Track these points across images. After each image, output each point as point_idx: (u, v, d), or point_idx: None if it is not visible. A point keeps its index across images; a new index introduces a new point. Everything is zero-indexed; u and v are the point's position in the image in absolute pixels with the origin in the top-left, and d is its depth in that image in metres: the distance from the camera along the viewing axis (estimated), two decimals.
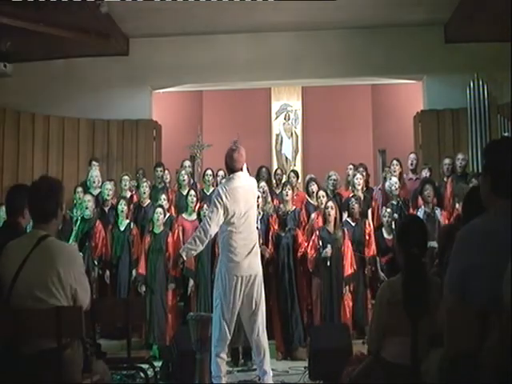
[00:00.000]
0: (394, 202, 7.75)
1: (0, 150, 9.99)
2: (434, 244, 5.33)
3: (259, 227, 6.41)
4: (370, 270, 7.15)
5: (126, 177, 8.68)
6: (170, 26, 10.19)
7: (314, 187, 8.04)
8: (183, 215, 7.83)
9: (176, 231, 7.55)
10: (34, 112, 10.41)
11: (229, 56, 10.59)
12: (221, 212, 4.75)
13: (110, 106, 10.71)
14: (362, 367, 3.17)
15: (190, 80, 10.95)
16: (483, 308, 2.27)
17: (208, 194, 8.25)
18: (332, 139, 12.44)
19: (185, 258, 4.92)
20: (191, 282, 7.34)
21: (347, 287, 6.88)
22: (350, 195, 7.75)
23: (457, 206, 7.20)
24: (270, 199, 7.89)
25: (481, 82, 10.14)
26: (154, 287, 7.27)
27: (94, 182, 8.71)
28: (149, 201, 8.21)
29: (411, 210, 7.62)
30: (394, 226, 7.23)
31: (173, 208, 8.28)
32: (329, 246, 6.79)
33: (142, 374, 4.58)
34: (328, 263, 6.78)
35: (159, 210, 7.47)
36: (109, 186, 8.32)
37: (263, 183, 8.03)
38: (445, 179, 8.24)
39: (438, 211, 7.36)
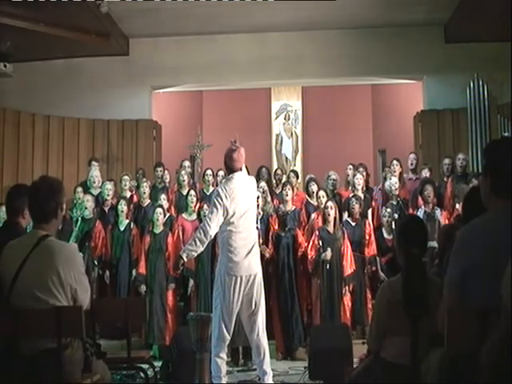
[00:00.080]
0: (394, 202, 7.74)
1: (0, 150, 9.99)
2: (434, 244, 5.34)
3: (259, 227, 6.40)
4: (370, 269, 7.16)
5: (125, 177, 8.67)
6: (170, 26, 10.18)
7: (313, 187, 8.04)
8: (183, 215, 7.83)
9: (176, 231, 7.55)
10: (34, 112, 10.40)
11: (229, 56, 10.59)
12: (220, 212, 4.75)
13: (110, 105, 10.70)
14: (362, 367, 3.17)
15: (190, 80, 10.95)
16: (483, 308, 2.27)
17: (208, 194, 8.25)
18: (332, 139, 12.42)
19: (185, 260, 4.92)
20: (191, 282, 7.35)
21: (347, 287, 6.89)
22: (350, 195, 7.74)
23: (457, 206, 7.18)
24: (269, 199, 7.89)
25: (481, 82, 10.13)
26: (154, 287, 7.26)
27: (93, 182, 8.73)
28: (149, 201, 8.21)
29: (411, 210, 7.62)
30: (393, 226, 7.22)
31: (173, 208, 8.27)
32: (329, 249, 6.77)
33: (142, 374, 4.57)
34: (328, 266, 6.77)
35: (159, 210, 7.47)
36: (109, 185, 8.33)
37: (263, 183, 8.03)
38: (445, 179, 8.24)
39: (437, 211, 7.36)
